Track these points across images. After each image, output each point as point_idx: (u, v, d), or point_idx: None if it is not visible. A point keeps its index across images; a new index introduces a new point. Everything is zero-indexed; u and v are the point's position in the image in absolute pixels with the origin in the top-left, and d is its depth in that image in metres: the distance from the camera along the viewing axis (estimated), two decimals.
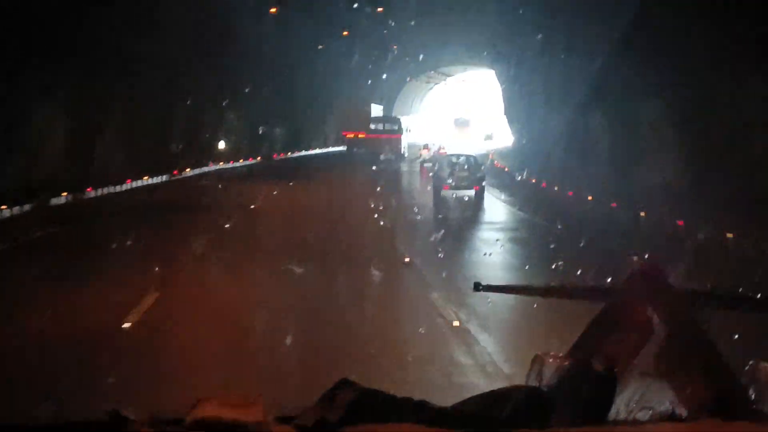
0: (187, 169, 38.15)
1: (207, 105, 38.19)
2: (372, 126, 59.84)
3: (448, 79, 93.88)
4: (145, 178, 31.84)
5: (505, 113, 57.47)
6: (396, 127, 59.62)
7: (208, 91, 36.71)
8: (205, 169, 41.47)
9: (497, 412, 1.98)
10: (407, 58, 61.42)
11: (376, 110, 65.71)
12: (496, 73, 62.19)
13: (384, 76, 66.24)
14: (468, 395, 2.13)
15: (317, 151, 66.12)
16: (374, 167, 45.07)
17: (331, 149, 68.23)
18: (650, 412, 2.16)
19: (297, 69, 48.83)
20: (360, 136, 61.42)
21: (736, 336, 3.71)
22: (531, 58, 37.73)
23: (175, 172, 36.30)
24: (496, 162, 49.59)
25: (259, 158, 51.78)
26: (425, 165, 42.08)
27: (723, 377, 2.16)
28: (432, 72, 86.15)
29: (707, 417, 2.11)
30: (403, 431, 1.89)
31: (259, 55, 38.95)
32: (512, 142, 57.10)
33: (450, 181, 28.41)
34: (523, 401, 2.04)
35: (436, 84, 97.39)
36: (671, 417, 2.16)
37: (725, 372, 2.17)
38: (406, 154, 58.80)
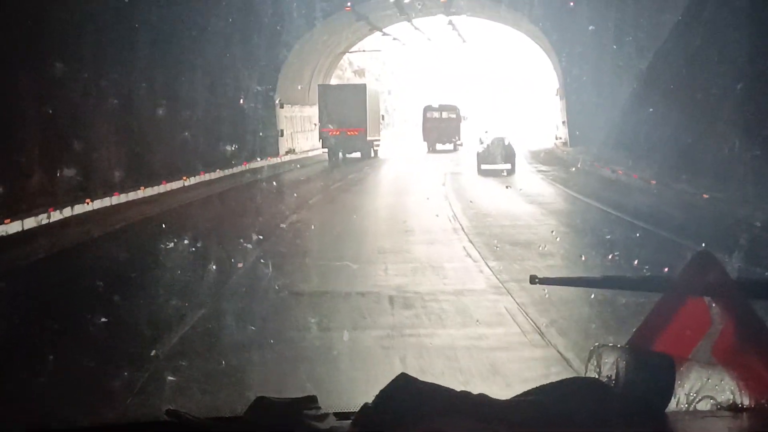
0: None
1: (257, 107, 38.67)
2: (428, 114, 58.45)
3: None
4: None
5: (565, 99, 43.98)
6: (454, 115, 58.02)
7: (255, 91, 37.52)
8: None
9: (556, 405, 1.97)
10: None
11: (373, 94, 50.94)
12: (551, 40, 42.82)
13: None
14: None
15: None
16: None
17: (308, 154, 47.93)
18: (711, 401, 2.14)
19: None
20: (351, 133, 45.38)
21: None
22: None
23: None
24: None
25: None
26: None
27: None
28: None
29: None
30: (461, 428, 1.89)
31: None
32: (565, 137, 44.19)
33: (488, 158, 34.93)
34: (582, 393, 2.03)
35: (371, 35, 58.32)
36: (733, 406, 2.14)
37: None
38: (463, 144, 56.77)
